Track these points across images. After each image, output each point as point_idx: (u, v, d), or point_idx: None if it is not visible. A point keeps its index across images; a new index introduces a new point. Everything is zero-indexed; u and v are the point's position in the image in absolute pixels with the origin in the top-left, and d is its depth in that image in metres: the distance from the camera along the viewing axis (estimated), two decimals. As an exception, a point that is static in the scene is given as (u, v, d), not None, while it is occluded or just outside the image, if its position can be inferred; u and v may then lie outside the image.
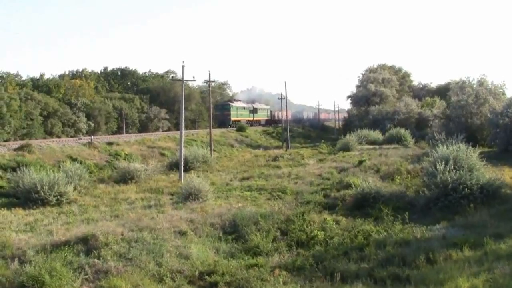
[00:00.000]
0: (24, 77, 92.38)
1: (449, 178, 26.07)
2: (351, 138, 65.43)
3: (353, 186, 30.37)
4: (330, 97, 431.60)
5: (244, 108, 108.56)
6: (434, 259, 17.71)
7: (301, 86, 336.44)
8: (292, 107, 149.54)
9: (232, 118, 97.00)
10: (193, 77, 53.45)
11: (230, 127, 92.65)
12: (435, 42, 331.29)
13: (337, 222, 24.40)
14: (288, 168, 46.13)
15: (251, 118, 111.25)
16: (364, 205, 27.14)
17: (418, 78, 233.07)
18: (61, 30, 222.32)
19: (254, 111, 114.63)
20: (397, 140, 67.48)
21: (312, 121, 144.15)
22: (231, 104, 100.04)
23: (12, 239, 20.43)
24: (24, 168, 32.66)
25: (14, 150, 40.18)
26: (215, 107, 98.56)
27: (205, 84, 71.14)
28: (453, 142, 32.67)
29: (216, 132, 76.03)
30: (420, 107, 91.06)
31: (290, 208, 26.94)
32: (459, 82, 69.46)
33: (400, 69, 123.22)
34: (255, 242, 21.31)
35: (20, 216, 26.71)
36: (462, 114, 60.83)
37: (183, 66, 41.00)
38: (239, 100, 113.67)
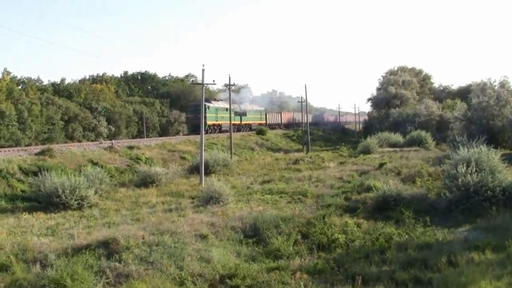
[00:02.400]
0: (45, 82, 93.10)
1: (471, 181, 25.87)
2: (371, 140, 65.17)
3: (374, 189, 30.24)
4: (350, 99, 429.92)
5: (226, 109, 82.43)
6: (456, 262, 17.58)
7: (321, 89, 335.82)
8: (313, 110, 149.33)
9: (209, 122, 77.02)
10: (213, 81, 53.72)
11: (206, 133, 71.42)
12: (455, 43, 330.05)
13: (358, 225, 24.31)
14: (309, 171, 46.02)
15: (238, 122, 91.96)
16: (385, 208, 27.00)
17: (438, 80, 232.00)
18: (82, 35, 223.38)
19: (242, 113, 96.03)
20: (418, 142, 67.12)
21: (332, 124, 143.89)
22: (206, 104, 76.40)
23: (33, 242, 20.48)
24: (46, 172, 32.78)
25: (36, 154, 40.40)
26: (186, 108, 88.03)
27: (225, 87, 71.41)
28: (474, 144, 32.48)
29: (237, 135, 76.48)
30: (441, 109, 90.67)
31: (311, 211, 26.93)
32: (480, 84, 69.25)
33: (420, 71, 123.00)
34: (276, 246, 21.28)
35: (42, 220, 26.79)
36: (484, 116, 60.50)
37: (203, 70, 41.04)
38: (221, 100, 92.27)
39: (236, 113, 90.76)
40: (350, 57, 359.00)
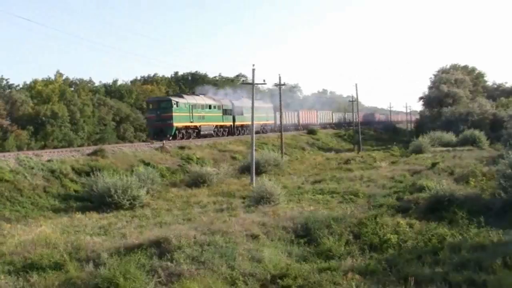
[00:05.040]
0: (97, 83, 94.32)
1: (527, 180, 25.40)
2: (423, 140, 64.80)
3: (426, 189, 29.87)
4: (402, 98, 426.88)
5: (210, 106, 66.21)
6: (511, 264, 17.26)
7: (373, 88, 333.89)
8: (364, 109, 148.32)
9: (177, 124, 57.69)
10: (264, 81, 52.74)
11: (174, 138, 57.05)
12: (510, 40, 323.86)
13: (411, 226, 24.00)
14: (360, 171, 45.84)
15: (229, 123, 72.05)
16: (438, 208, 26.57)
17: (492, 78, 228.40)
18: (133, 37, 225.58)
19: (235, 111, 73.81)
20: (471, 142, 66.60)
21: (384, 123, 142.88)
22: (173, 100, 58.01)
23: (86, 242, 20.82)
24: (98, 173, 33.33)
25: (88, 155, 41.05)
26: (146, 104, 66.39)
27: (275, 87, 69.92)
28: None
29: (287, 135, 75.35)
30: (494, 108, 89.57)
31: (362, 211, 26.67)
32: (535, 81, 68.08)
33: (473, 69, 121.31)
34: (327, 246, 21.13)
35: (95, 220, 27.26)
36: (540, 114, 59.49)
37: (253, 70, 40.95)
38: (202, 95, 70.85)
39: (226, 111, 70.95)
40: (402, 55, 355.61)
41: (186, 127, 59.93)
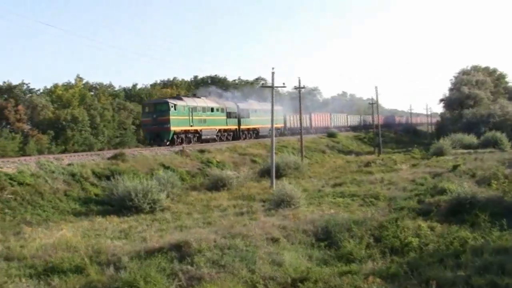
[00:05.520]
0: (117, 88, 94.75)
1: (549, 183, 25.19)
2: (444, 142, 64.48)
3: (447, 191, 29.66)
4: (422, 100, 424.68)
5: (212, 109, 62.12)
6: (535, 268, 17.06)
7: (393, 90, 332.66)
8: (384, 111, 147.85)
9: (175, 128, 53.55)
10: (283, 84, 51.62)
11: (171, 144, 52.99)
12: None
13: (432, 229, 23.85)
14: (381, 173, 45.63)
15: (234, 127, 67.92)
16: (459, 211, 26.39)
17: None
18: (152, 41, 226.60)
19: (241, 114, 69.34)
20: (493, 143, 66.29)
21: (404, 126, 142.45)
22: (171, 103, 53.95)
23: (107, 245, 20.92)
24: (118, 176, 33.49)
25: (108, 159, 41.16)
26: (142, 107, 62.05)
27: (295, 90, 69.43)
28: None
29: (307, 138, 74.79)
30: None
31: (383, 214, 26.55)
32: (558, 82, 67.74)
33: (494, 70, 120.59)
34: (348, 249, 21.02)
35: (115, 223, 27.32)
36: (562, 116, 59.13)
37: (272, 73, 40.94)
38: (203, 97, 65.44)
39: (230, 114, 66.63)
40: (422, 57, 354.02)
41: (185, 131, 56.05)
